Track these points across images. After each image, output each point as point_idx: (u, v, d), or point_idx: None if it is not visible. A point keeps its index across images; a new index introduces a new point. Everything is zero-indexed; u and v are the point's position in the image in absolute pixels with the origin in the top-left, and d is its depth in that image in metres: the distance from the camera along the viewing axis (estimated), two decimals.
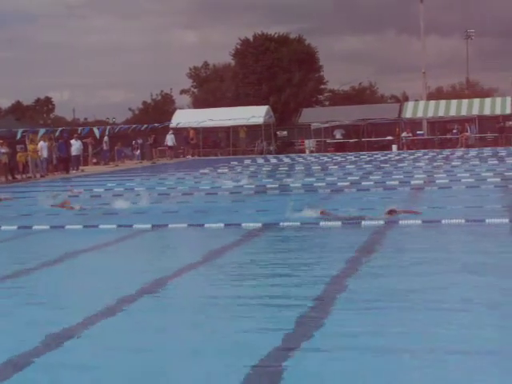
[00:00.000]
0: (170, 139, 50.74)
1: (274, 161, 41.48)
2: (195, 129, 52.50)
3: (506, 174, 24.18)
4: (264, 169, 33.94)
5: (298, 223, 13.92)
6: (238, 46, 69.05)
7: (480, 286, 8.46)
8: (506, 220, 13.24)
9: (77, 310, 8.19)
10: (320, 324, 7.11)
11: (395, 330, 6.86)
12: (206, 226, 14.28)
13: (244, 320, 7.48)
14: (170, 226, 14.56)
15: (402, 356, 6.19)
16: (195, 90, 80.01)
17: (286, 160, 41.74)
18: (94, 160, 47.71)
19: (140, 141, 52.38)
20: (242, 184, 24.16)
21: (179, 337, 7.11)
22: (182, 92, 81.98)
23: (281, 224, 14.00)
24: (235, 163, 39.06)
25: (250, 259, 10.95)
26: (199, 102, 72.21)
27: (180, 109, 65.59)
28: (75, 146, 40.25)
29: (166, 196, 21.77)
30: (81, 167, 41.27)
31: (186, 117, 54.22)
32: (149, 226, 14.59)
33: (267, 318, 7.51)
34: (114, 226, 14.83)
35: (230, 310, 8.01)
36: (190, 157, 51.09)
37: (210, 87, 73.97)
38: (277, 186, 23.66)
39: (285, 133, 55.86)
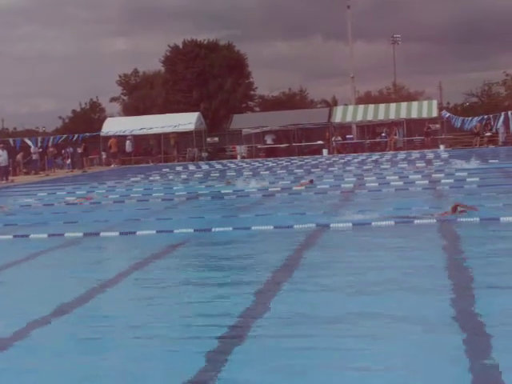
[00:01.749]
0: (127, 144, 51.48)
1: (205, 167, 41.53)
2: (118, 137, 52.40)
3: (434, 175, 24.65)
4: (196, 175, 33.94)
5: (230, 228, 14.01)
6: (168, 53, 69.02)
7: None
8: (434, 220, 13.52)
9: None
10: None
11: None
12: (138, 233, 14.28)
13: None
14: (101, 234, 14.50)
15: None
16: (125, 98, 79.59)
17: (218, 166, 41.82)
18: (25, 170, 47.17)
19: (70, 150, 51.99)
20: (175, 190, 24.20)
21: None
22: (112, 100, 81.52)
23: (213, 230, 14.07)
24: (167, 170, 39.00)
25: (179, 266, 11.00)
26: (129, 110, 71.88)
27: (110, 117, 65.15)
28: (3, 156, 39.64)
29: (98, 204, 21.66)
30: (10, 177, 40.72)
31: (117, 125, 53.86)
32: (80, 234, 14.52)
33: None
34: (45, 236, 14.70)
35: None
36: (115, 166, 50.68)
37: (140, 94, 73.66)
38: (208, 192, 23.71)
39: (216, 139, 55.93)
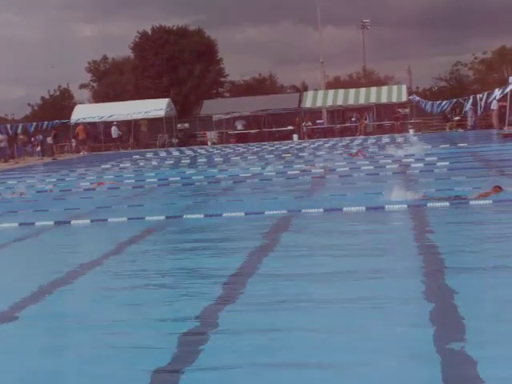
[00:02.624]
0: (112, 130, 51.43)
1: (176, 153, 41.46)
2: (87, 124, 52.18)
3: (404, 160, 24.79)
4: (166, 162, 33.88)
5: (202, 215, 14.03)
6: (137, 40, 68.73)
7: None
8: (405, 205, 13.59)
9: None
10: None
11: None
12: (109, 220, 14.25)
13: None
14: (72, 222, 14.44)
15: None
16: (95, 85, 79.14)
17: (189, 152, 41.76)
18: None
19: (40, 137, 51.68)
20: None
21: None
22: (82, 86, 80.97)
23: (184, 217, 14.08)
24: (137, 157, 38.90)
25: (150, 253, 11.01)
26: (99, 97, 71.51)
27: (80, 103, 64.76)
28: None
29: (68, 192, 21.56)
30: None
31: (86, 112, 53.52)
32: (51, 222, 14.45)
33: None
34: (16, 225, 14.62)
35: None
36: (85, 153, 50.40)
37: (110, 81, 73.31)
38: (179, 178, 23.70)
39: (186, 125, 55.78)
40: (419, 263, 8.97)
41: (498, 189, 14.12)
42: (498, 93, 38.89)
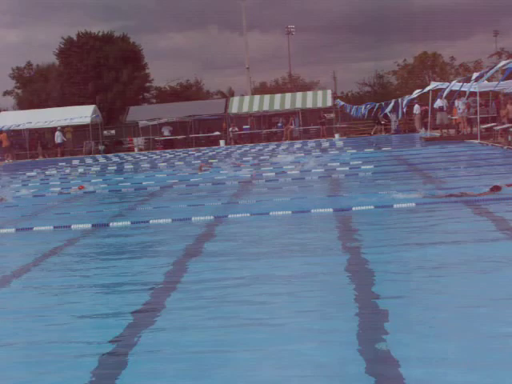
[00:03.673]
0: (58, 136, 50.83)
1: (102, 160, 41.21)
2: (11, 131, 51.39)
3: (330, 164, 25.10)
4: (93, 169, 33.66)
5: (129, 222, 14.02)
6: (62, 46, 68.06)
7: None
8: (330, 209, 13.80)
9: None
10: None
11: None
12: (35, 229, 14.13)
13: None
14: None
15: None
16: (19, 91, 78.02)
17: (115, 159, 41.55)
18: None
19: None
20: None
21: None
22: (6, 93, 79.75)
23: (111, 224, 14.05)
24: (63, 164, 38.55)
25: (77, 260, 10.96)
26: (24, 104, 70.54)
27: (4, 110, 63.78)
28: None
29: None
30: None
31: (10, 119, 52.68)
32: None
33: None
34: None
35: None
36: (9, 161, 49.60)
37: (35, 88, 72.35)
38: (106, 185, 23.60)
39: (113, 132, 55.44)
40: (344, 263, 9.18)
41: (495, 189, 14.45)
42: (416, 94, 39.78)
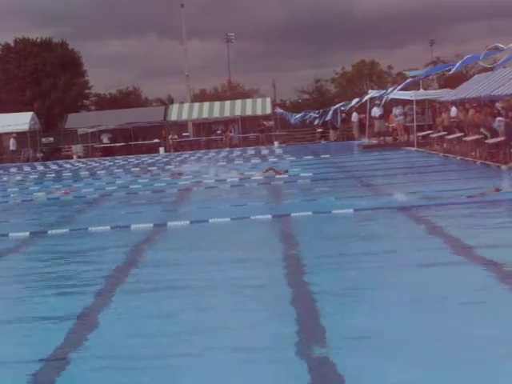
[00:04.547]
0: (12, 144, 50.26)
1: (40, 168, 40.77)
2: None
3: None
4: (31, 176, 33.31)
5: (67, 230, 13.98)
6: None
7: None
8: (269, 216, 13.97)
9: None
10: None
11: None
12: None
13: None
14: None
15: None
16: None
17: (54, 167, 41.15)
18: None
19: None
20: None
21: None
22: None
23: (49, 232, 13.99)
24: (0, 172, 38.10)
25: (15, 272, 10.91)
26: None
27: None
28: None
29: None
30: None
31: None
32: None
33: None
34: None
35: None
36: None
37: None
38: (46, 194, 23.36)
39: (51, 139, 54.73)
40: (280, 270, 9.32)
41: (495, 190, 14.88)
42: (355, 102, 40.25)
